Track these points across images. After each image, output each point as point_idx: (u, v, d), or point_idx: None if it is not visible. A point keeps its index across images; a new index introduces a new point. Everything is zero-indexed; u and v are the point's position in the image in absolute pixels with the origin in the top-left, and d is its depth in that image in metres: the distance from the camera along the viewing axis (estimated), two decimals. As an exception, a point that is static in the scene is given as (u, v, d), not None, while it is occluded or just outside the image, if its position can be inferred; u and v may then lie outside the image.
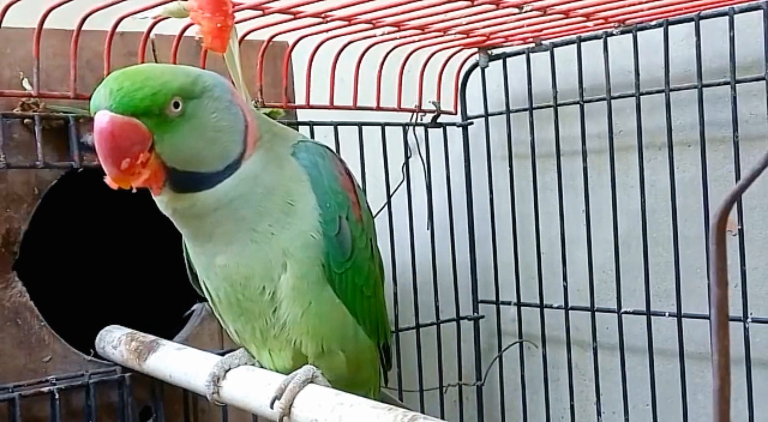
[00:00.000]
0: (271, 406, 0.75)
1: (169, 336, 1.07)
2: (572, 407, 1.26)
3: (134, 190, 0.71)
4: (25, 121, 1.00)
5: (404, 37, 1.19)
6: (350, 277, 0.80)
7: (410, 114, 1.31)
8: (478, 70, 1.34)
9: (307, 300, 0.78)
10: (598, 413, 1.23)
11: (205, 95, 0.72)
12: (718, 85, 1.07)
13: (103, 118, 0.67)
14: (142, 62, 1.01)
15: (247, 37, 1.08)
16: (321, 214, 0.77)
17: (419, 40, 1.21)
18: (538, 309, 1.29)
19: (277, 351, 0.81)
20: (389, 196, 1.28)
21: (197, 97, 0.71)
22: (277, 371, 0.82)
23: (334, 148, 1.17)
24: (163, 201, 0.74)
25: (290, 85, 1.21)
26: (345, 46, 1.17)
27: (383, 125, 1.27)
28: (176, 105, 0.69)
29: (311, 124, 1.20)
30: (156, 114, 0.68)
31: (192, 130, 0.70)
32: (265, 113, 1.13)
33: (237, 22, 0.92)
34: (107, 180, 0.69)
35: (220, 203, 0.73)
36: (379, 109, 1.24)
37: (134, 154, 0.67)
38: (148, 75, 0.69)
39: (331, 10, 1.01)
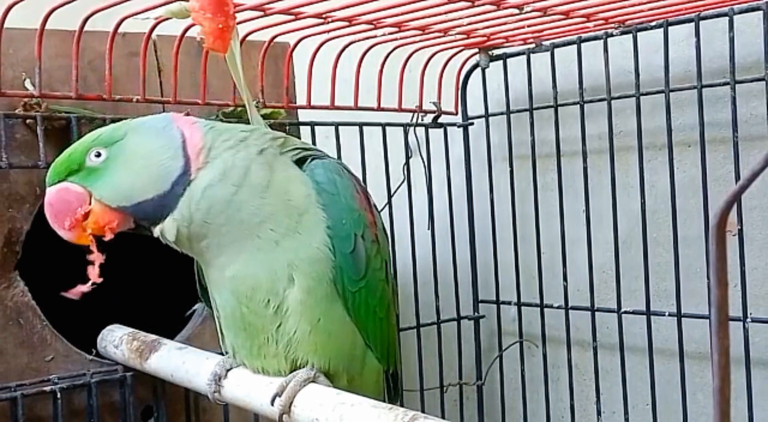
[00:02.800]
0: (272, 403, 0.75)
1: (171, 335, 1.07)
2: (572, 406, 1.26)
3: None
4: (28, 121, 1.00)
5: (405, 37, 1.19)
6: (363, 297, 0.80)
7: (411, 114, 1.31)
8: (478, 70, 1.34)
9: (315, 316, 0.77)
10: (598, 412, 1.23)
11: (128, 134, 0.77)
12: (718, 85, 1.07)
13: (46, 198, 0.77)
14: (144, 63, 1.01)
15: (249, 38, 1.08)
16: (332, 229, 0.77)
17: (420, 41, 1.22)
18: (539, 308, 1.29)
19: (273, 372, 0.80)
20: (390, 196, 1.28)
21: (120, 140, 0.76)
22: None
23: (334, 149, 1.18)
24: (160, 236, 0.78)
25: (291, 86, 1.22)
26: (346, 46, 1.17)
27: (384, 125, 1.27)
28: (97, 154, 0.76)
29: (312, 125, 1.20)
30: (77, 169, 0.76)
31: (118, 167, 0.76)
32: (266, 114, 1.13)
33: (238, 23, 0.92)
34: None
35: (201, 219, 0.75)
36: (379, 109, 1.25)
37: (73, 211, 0.76)
38: (77, 143, 0.79)
39: (332, 11, 1.02)
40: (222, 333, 0.84)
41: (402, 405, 1.20)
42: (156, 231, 0.77)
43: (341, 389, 0.79)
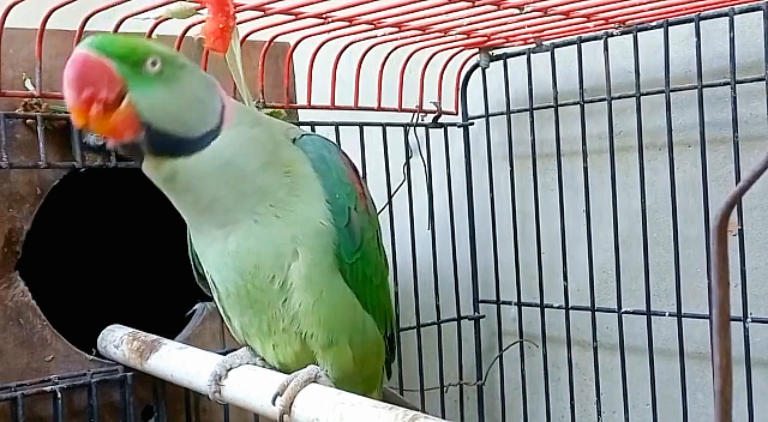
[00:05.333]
0: (273, 402, 0.75)
1: (171, 335, 1.07)
2: (572, 406, 1.26)
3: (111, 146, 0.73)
4: (28, 121, 1.00)
5: (405, 37, 1.19)
6: (360, 267, 0.81)
7: (411, 114, 1.31)
8: (478, 70, 1.34)
9: (319, 289, 0.78)
10: (599, 412, 1.23)
11: (186, 68, 0.74)
12: (719, 85, 1.07)
13: (78, 52, 0.69)
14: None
15: (249, 38, 1.08)
16: (329, 202, 0.78)
17: (420, 41, 1.22)
18: (539, 308, 1.29)
19: (282, 346, 0.81)
20: (390, 196, 1.28)
21: (178, 67, 0.73)
22: (281, 366, 0.82)
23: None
24: (148, 168, 0.74)
25: (292, 86, 1.21)
26: (346, 46, 1.17)
27: (384, 125, 1.27)
28: (154, 63, 0.71)
29: (312, 125, 1.20)
30: (132, 63, 0.70)
31: (169, 90, 0.72)
32: (266, 113, 1.13)
33: (239, 23, 0.92)
34: (72, 117, 0.69)
35: (204, 177, 0.74)
36: (380, 109, 1.25)
37: (98, 88, 0.68)
38: (136, 38, 0.73)
39: (332, 11, 1.02)
40: (227, 315, 0.84)
41: (402, 389, 1.21)
42: (151, 165, 0.74)
43: (344, 359, 0.81)
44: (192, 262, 0.87)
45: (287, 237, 0.76)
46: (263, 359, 0.84)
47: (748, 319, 1.04)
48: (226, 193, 0.75)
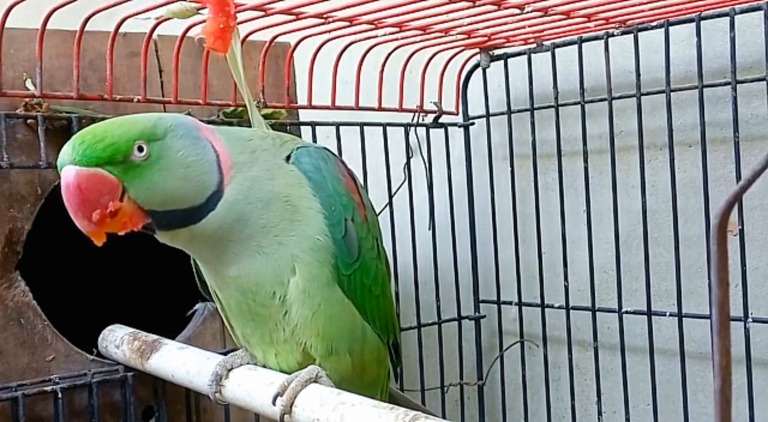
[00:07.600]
0: (273, 402, 0.75)
1: (172, 335, 1.07)
2: (573, 407, 1.26)
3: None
4: (29, 121, 1.00)
5: (406, 37, 1.19)
6: (358, 278, 0.81)
7: (412, 114, 1.31)
8: (479, 70, 1.34)
9: (317, 302, 0.79)
10: (599, 413, 1.23)
11: (168, 136, 0.73)
12: (719, 85, 1.07)
13: (68, 173, 0.69)
14: (145, 63, 1.02)
15: (250, 38, 1.08)
16: (326, 217, 0.78)
17: (421, 41, 1.22)
18: (539, 308, 1.29)
19: (284, 355, 0.82)
20: (391, 196, 1.28)
21: (161, 139, 0.72)
22: (283, 373, 0.82)
23: (335, 149, 1.18)
24: (161, 237, 0.76)
25: (292, 86, 1.22)
26: (347, 46, 1.17)
27: (385, 125, 1.27)
28: (140, 149, 0.70)
29: (313, 125, 1.20)
30: (121, 161, 0.70)
31: (161, 170, 0.71)
32: (267, 114, 1.13)
33: (239, 23, 0.92)
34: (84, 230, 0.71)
35: (215, 234, 0.75)
36: (380, 109, 1.25)
37: (104, 205, 0.69)
38: (108, 126, 0.72)
39: (333, 11, 1.02)
40: (230, 324, 0.85)
41: (402, 389, 1.21)
42: (164, 235, 0.76)
43: (344, 367, 0.81)
44: (195, 273, 0.88)
45: (287, 257, 0.77)
46: (264, 366, 0.85)
47: (749, 319, 1.04)
48: (235, 242, 0.76)
